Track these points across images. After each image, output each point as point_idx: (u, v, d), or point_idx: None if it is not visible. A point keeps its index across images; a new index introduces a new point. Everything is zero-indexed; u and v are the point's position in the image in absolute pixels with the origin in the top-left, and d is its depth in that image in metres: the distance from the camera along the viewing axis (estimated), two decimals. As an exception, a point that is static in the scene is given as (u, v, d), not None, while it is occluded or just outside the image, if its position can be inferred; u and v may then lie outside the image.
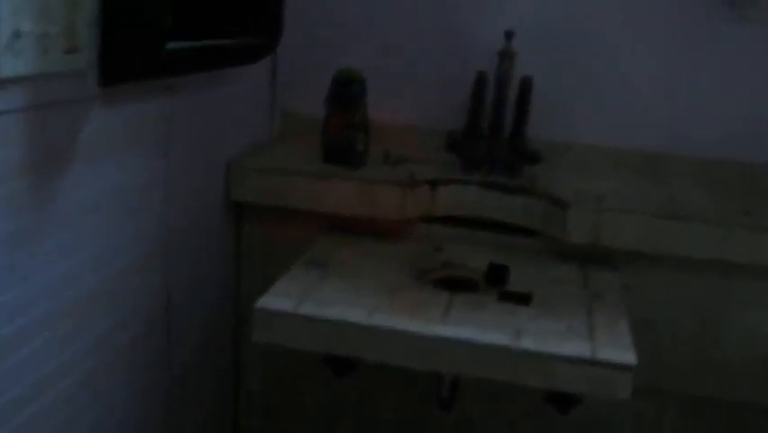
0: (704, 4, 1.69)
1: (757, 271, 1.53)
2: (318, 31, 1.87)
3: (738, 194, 1.70)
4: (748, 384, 1.61)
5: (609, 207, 1.54)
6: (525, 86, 1.64)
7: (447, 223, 1.66)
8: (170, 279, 1.46)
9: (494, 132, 1.68)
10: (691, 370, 1.62)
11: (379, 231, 1.64)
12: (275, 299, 1.30)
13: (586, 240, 1.53)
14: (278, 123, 1.92)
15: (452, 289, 1.40)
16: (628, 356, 1.19)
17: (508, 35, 1.60)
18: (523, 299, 1.36)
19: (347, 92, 1.63)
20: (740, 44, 1.71)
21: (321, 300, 1.31)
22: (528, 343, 1.20)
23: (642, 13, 1.73)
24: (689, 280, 1.58)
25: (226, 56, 1.41)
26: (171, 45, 1.16)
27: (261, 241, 1.75)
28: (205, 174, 1.59)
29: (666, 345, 1.62)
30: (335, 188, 1.61)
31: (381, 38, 1.85)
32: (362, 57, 1.82)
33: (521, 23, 1.69)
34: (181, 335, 1.52)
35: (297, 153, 1.76)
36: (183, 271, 1.51)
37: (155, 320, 1.43)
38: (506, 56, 1.61)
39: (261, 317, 1.28)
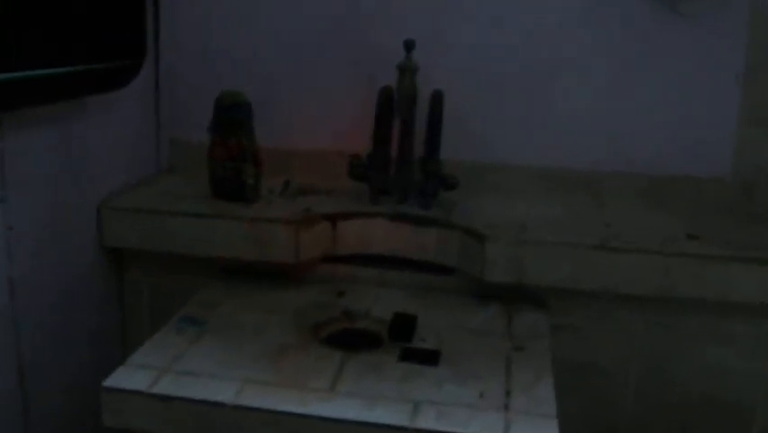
0: (639, 9, 1.50)
1: (708, 305, 1.34)
2: (211, 51, 1.66)
3: (683, 214, 1.50)
4: (709, 425, 1.41)
5: (533, 238, 1.33)
6: (436, 101, 1.43)
7: (354, 262, 1.44)
8: (22, 348, 1.24)
9: (402, 155, 1.46)
10: (645, 414, 1.42)
11: (276, 275, 1.42)
12: (129, 375, 1.08)
13: (508, 278, 1.33)
14: (167, 153, 1.70)
15: (348, 347, 1.19)
16: (549, 430, 0.98)
17: (408, 46, 1.39)
18: (429, 358, 1.15)
19: (230, 117, 1.42)
20: (680, 51, 1.52)
21: (186, 373, 1.09)
22: (428, 420, 0.99)
23: (574, 22, 1.54)
24: (631, 317, 1.38)
25: (67, 85, 1.19)
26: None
27: (149, 291, 1.53)
28: (69, 218, 1.36)
29: (614, 390, 1.41)
30: (221, 229, 1.39)
31: (283, 54, 1.63)
32: (261, 77, 1.61)
33: (433, 35, 1.49)
34: (43, 415, 1.29)
35: (185, 188, 1.54)
36: (41, 337, 1.28)
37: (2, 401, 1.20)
38: (406, 70, 1.40)
39: (110, 398, 1.05)
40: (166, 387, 1.05)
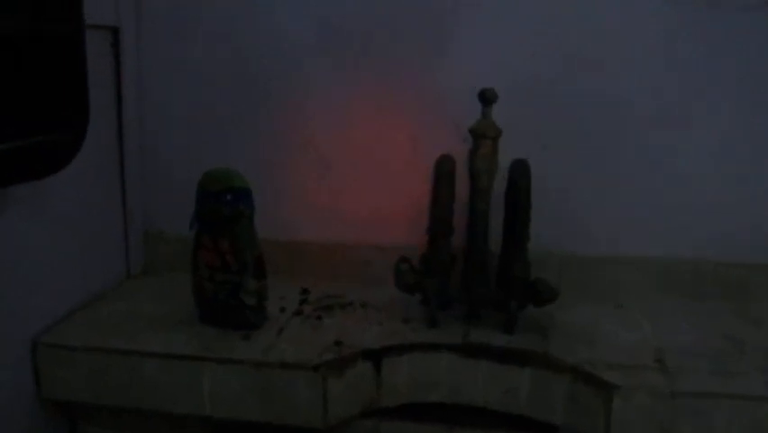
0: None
1: None
2: (196, 112, 1.22)
3: None
4: None
5: (683, 388, 0.87)
6: (520, 175, 0.98)
7: (407, 417, 0.98)
8: None
9: (473, 254, 1.01)
10: None
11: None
12: None
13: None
14: (141, 251, 1.25)
15: None
16: None
17: (485, 98, 0.94)
18: None
19: (220, 208, 0.97)
20: None
21: None
22: None
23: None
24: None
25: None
26: None
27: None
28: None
29: None
30: (211, 377, 0.93)
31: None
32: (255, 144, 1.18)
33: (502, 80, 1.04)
34: None
35: (162, 305, 1.09)
36: None
37: None
38: (486, 134, 0.95)
39: None
40: None
